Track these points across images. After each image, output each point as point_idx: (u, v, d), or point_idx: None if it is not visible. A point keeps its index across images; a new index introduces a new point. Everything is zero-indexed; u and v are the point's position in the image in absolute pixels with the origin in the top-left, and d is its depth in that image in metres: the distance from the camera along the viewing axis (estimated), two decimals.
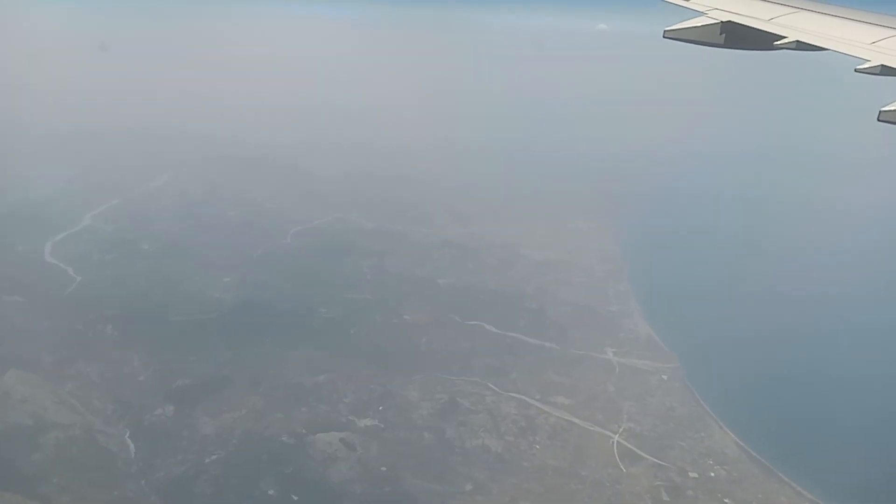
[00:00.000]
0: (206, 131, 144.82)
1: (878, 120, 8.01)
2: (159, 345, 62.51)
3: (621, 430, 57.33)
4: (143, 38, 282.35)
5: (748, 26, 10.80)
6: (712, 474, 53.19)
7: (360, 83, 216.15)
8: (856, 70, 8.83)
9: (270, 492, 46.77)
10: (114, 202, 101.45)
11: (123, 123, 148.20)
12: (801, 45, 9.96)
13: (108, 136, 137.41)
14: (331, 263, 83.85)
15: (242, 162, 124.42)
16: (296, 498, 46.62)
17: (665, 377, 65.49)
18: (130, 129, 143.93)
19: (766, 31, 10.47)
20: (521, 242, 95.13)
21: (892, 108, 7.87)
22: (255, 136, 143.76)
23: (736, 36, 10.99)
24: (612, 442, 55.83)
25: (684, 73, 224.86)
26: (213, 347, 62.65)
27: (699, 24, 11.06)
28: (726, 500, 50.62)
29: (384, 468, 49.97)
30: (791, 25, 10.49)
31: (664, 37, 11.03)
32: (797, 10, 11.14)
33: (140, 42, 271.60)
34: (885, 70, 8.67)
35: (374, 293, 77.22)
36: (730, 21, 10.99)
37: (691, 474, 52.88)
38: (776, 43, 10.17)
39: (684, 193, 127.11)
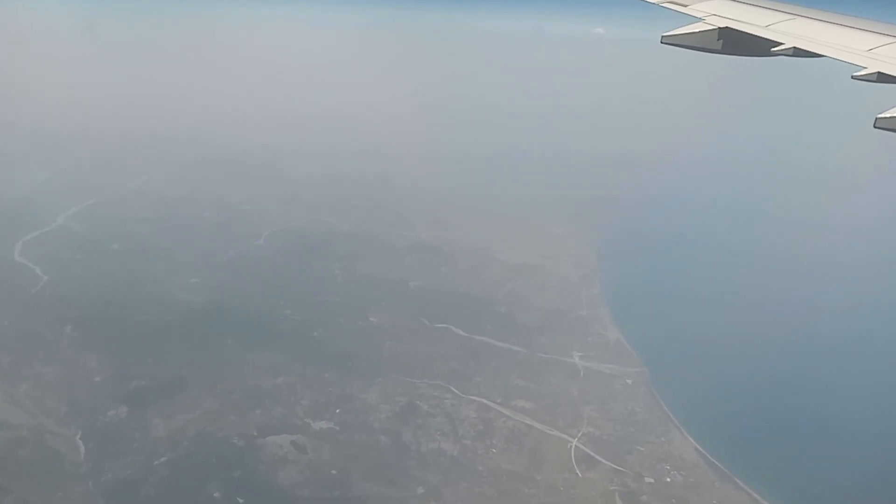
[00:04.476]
0: (191, 133, 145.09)
1: (875, 127, 7.99)
2: (118, 346, 62.03)
3: (580, 434, 56.90)
4: (132, 39, 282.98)
5: (745, 32, 10.83)
6: (668, 479, 52.72)
7: (350, 87, 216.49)
8: (852, 77, 8.84)
9: (216, 494, 46.27)
10: (89, 202, 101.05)
11: (106, 123, 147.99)
12: (798, 52, 9.98)
13: (90, 136, 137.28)
14: (301, 266, 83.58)
15: (223, 164, 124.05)
16: (241, 501, 46.05)
17: (629, 382, 65.13)
18: (114, 129, 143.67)
19: (763, 38, 10.49)
20: (497, 247, 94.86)
21: (889, 115, 7.84)
22: (238, 138, 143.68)
23: (733, 42, 11.02)
24: (571, 446, 55.37)
25: (681, 78, 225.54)
26: (173, 349, 62.13)
27: (697, 30, 11.10)
28: None
29: (335, 471, 49.48)
30: (788, 32, 10.52)
31: (662, 42, 11.01)
32: (794, 16, 11.18)
33: (128, 43, 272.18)
34: (881, 77, 8.67)
35: (342, 296, 76.76)
36: (727, 27, 11.01)
37: (647, 479, 52.41)
38: (773, 49, 10.18)
39: (670, 199, 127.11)
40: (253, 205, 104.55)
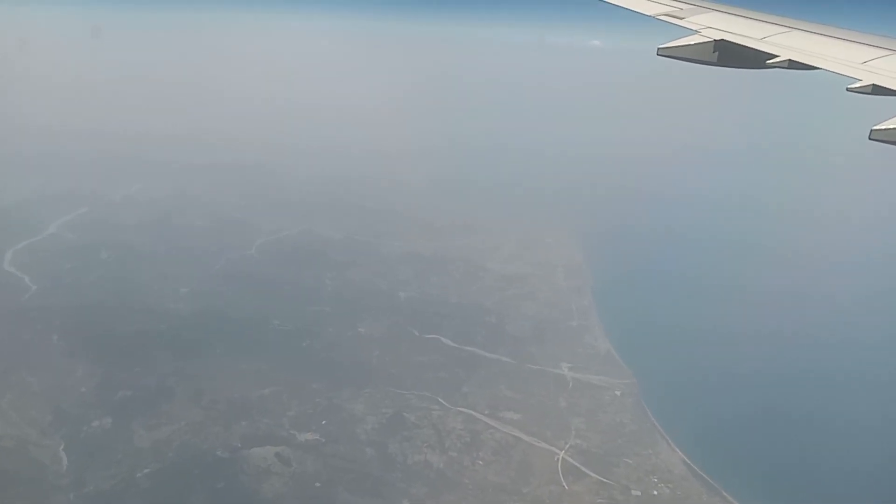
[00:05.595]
0: (188, 138, 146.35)
1: (870, 139, 8.00)
2: (105, 355, 61.77)
3: (568, 446, 56.59)
4: (131, 45, 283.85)
5: (741, 45, 10.84)
6: (655, 493, 52.42)
7: (350, 93, 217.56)
8: (847, 89, 8.89)
9: None
10: (82, 210, 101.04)
11: (104, 128, 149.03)
12: (793, 64, 10.01)
13: (86, 141, 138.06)
14: (292, 275, 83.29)
15: (219, 170, 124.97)
16: None
17: (619, 393, 64.83)
18: (110, 133, 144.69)
19: (758, 50, 10.52)
20: (489, 256, 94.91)
21: (884, 127, 7.88)
22: (235, 143, 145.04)
23: (729, 54, 11.05)
24: (558, 458, 55.06)
25: (676, 90, 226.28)
26: (160, 359, 61.89)
27: (692, 43, 11.13)
28: None
29: (319, 484, 49.17)
30: (783, 44, 10.53)
31: (658, 54, 11.04)
32: (790, 29, 11.19)
33: (127, 49, 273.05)
34: (876, 89, 8.73)
35: (332, 305, 76.53)
36: (723, 39, 11.04)
37: (634, 492, 52.11)
38: (769, 61, 10.22)
39: (660, 208, 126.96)
40: (245, 213, 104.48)
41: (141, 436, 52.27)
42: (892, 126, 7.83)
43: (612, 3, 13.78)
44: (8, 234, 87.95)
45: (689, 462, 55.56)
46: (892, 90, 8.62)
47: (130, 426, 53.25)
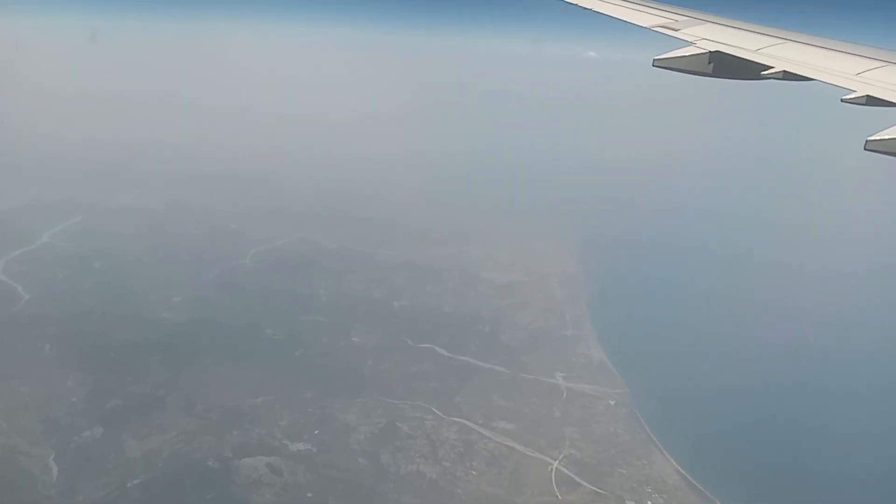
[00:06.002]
0: (185, 146, 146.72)
1: (865, 149, 8.08)
2: (97, 365, 61.46)
3: (562, 456, 56.37)
4: (130, 52, 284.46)
5: (736, 56, 10.92)
6: (649, 503, 52.22)
7: (346, 103, 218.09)
8: (842, 100, 8.96)
9: None
10: (76, 219, 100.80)
11: (98, 136, 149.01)
12: (787, 75, 10.07)
13: (84, 148, 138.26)
14: (286, 284, 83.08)
15: (212, 179, 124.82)
16: None
17: (613, 403, 64.69)
18: (104, 142, 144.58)
19: (753, 61, 10.59)
20: (484, 265, 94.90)
21: (879, 138, 7.94)
22: (232, 151, 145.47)
23: (724, 65, 11.12)
24: (551, 468, 54.83)
25: (671, 101, 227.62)
26: (152, 368, 61.59)
27: (688, 54, 11.21)
28: None
29: (310, 494, 48.84)
30: (778, 56, 10.60)
31: (653, 65, 11.14)
32: (784, 40, 11.25)
33: (122, 58, 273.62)
34: (870, 100, 8.80)
35: (326, 315, 76.36)
36: (718, 51, 11.12)
37: (628, 503, 51.89)
38: (763, 73, 10.29)
39: (655, 218, 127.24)
40: (240, 221, 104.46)
41: (132, 446, 51.91)
42: (886, 136, 7.87)
43: (609, 14, 13.83)
44: (1, 242, 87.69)
45: (682, 472, 55.38)
46: (887, 101, 8.68)
47: (121, 436, 52.87)
